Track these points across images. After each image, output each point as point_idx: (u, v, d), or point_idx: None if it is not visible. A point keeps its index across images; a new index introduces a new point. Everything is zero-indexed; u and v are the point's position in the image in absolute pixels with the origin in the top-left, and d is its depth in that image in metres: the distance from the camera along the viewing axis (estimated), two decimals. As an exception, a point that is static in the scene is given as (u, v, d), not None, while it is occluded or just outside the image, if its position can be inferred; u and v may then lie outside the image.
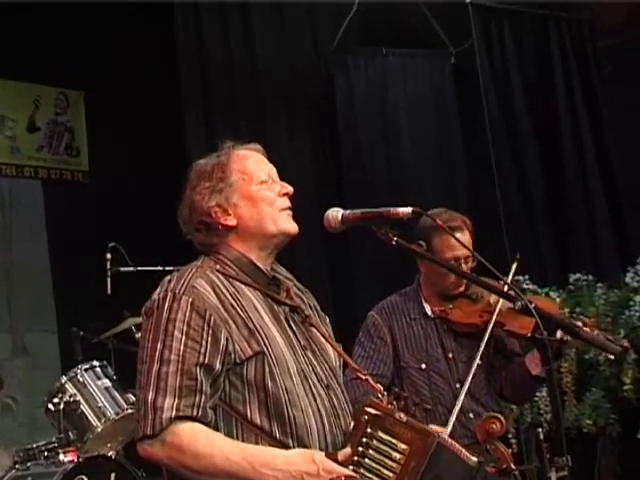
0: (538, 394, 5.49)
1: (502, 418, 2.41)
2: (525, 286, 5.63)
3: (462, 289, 3.44)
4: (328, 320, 2.60)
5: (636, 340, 5.22)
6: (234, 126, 6.26)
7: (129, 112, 6.81)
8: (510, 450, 2.34)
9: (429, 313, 3.49)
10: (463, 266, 3.37)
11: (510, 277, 3.38)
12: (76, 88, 7.09)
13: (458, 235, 3.27)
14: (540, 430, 2.30)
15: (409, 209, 2.44)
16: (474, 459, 2.27)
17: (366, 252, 6.24)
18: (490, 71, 6.65)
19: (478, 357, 3.19)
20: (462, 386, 3.34)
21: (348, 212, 2.50)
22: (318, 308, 2.57)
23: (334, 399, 2.34)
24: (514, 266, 3.45)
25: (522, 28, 6.74)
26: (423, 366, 3.38)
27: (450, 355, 3.42)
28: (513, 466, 2.36)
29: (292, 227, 2.42)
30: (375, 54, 6.72)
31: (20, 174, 6.85)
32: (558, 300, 5.62)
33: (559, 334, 2.37)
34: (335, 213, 2.52)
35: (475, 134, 6.58)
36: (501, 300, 3.26)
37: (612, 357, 4.48)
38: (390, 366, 3.42)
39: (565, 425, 5.02)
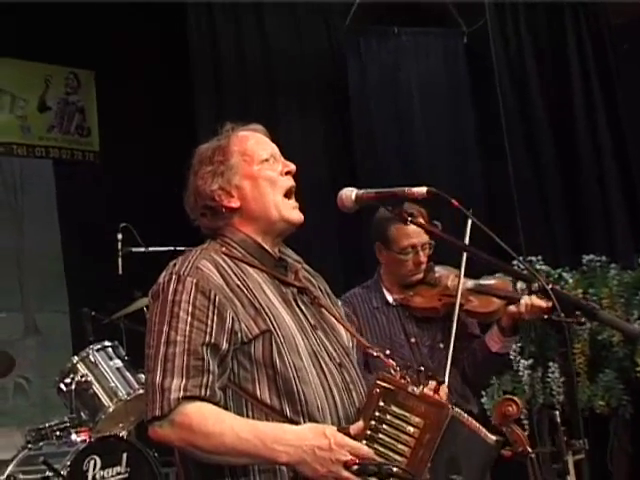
0: (551, 375, 5.50)
1: (518, 401, 2.39)
2: (538, 267, 5.60)
3: (421, 276, 3.51)
4: (340, 304, 2.59)
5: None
6: (244, 105, 6.28)
7: (140, 92, 6.79)
8: (526, 433, 2.33)
9: (390, 301, 3.56)
10: (420, 254, 3.46)
11: (464, 260, 3.30)
12: (87, 68, 7.07)
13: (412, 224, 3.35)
14: (557, 413, 2.27)
15: (424, 189, 2.41)
16: (493, 438, 2.26)
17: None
18: (503, 51, 6.61)
19: (452, 339, 3.22)
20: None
21: (362, 192, 2.48)
22: (329, 291, 2.55)
23: (347, 377, 2.32)
24: (468, 224, 3.35)
25: (536, 8, 6.67)
26: (387, 352, 3.39)
27: (413, 340, 3.47)
28: (529, 449, 2.35)
29: (296, 217, 2.40)
30: (387, 34, 6.68)
31: (31, 154, 6.85)
32: (571, 281, 5.60)
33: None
34: (349, 193, 2.49)
35: (488, 116, 6.54)
36: (461, 282, 3.31)
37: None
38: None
39: (578, 406, 5.00)
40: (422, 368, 3.31)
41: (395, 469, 2.11)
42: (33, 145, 6.86)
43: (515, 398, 2.39)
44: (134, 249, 5.25)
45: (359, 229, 6.36)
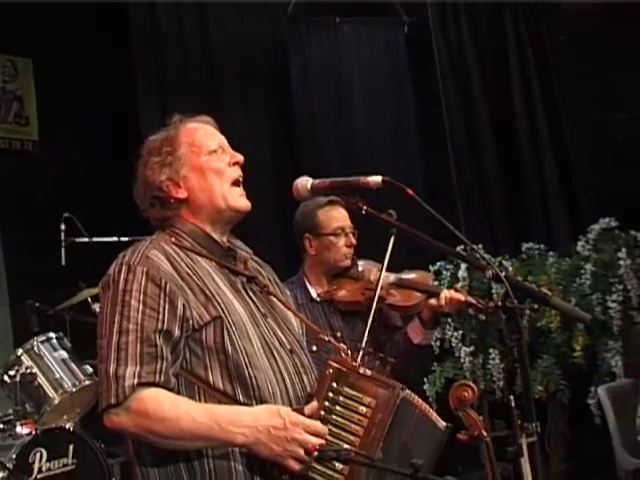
0: (491, 362, 5.61)
1: (474, 386, 2.44)
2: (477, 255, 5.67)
3: (349, 263, 3.61)
4: (289, 293, 2.64)
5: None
6: (187, 97, 6.26)
7: (80, 80, 6.71)
8: (482, 417, 2.38)
9: (315, 296, 3.62)
10: (350, 236, 3.60)
11: (387, 254, 3.38)
12: (24, 55, 6.94)
13: (337, 209, 3.57)
14: (512, 397, 2.33)
15: (379, 178, 2.43)
16: (443, 423, 2.32)
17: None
18: (444, 41, 6.66)
19: (367, 329, 3.27)
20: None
21: (318, 181, 2.49)
22: (278, 282, 2.59)
23: (298, 363, 2.36)
24: (391, 241, 3.40)
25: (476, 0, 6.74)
26: (314, 348, 3.39)
27: (338, 334, 3.52)
28: (485, 433, 2.40)
29: (243, 204, 2.42)
30: (329, 24, 6.71)
31: (-32, 143, 6.72)
32: (510, 269, 5.70)
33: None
34: (304, 182, 2.50)
35: (429, 105, 6.59)
36: (382, 276, 3.38)
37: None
38: None
39: (517, 391, 5.11)
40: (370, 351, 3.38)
41: (353, 454, 2.16)
42: (-30, 134, 6.74)
43: (471, 383, 2.44)
44: (77, 239, 5.20)
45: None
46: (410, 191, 2.41)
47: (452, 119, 6.42)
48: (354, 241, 3.60)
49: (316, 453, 2.13)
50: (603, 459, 5.29)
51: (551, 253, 5.86)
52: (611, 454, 4.78)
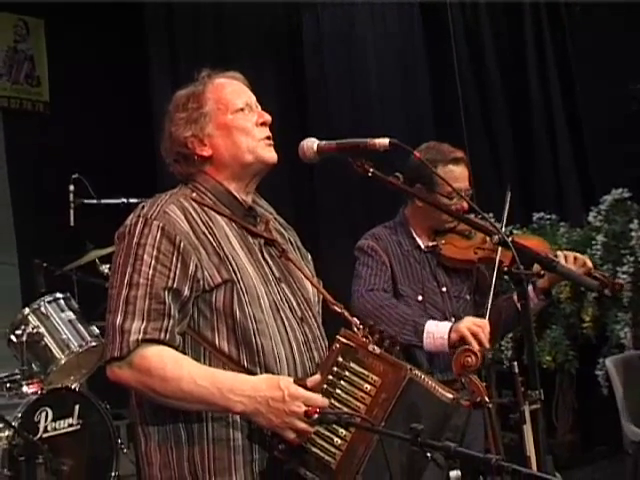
0: (500, 331, 5.58)
1: (477, 352, 2.41)
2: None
3: (456, 223, 3.37)
4: (310, 257, 2.57)
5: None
6: (197, 56, 6.24)
7: (91, 41, 6.68)
8: (485, 384, 2.35)
9: (422, 246, 3.40)
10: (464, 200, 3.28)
11: (506, 208, 3.32)
12: (36, 15, 6.91)
13: (460, 168, 3.30)
14: (515, 364, 2.30)
15: (386, 140, 2.39)
16: (449, 395, 2.25)
17: (331, 185, 6.27)
18: (459, 10, 6.58)
19: (491, 297, 3.05)
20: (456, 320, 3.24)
21: (324, 143, 2.46)
22: (300, 245, 2.55)
23: (307, 332, 2.33)
24: (508, 197, 3.36)
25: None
26: (420, 298, 3.31)
27: (444, 289, 3.37)
28: (487, 399, 2.37)
29: (270, 156, 2.39)
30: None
31: (-22, 103, 6.71)
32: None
33: (535, 268, 2.37)
34: (310, 143, 2.47)
35: (442, 73, 6.53)
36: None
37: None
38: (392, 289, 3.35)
39: (525, 361, 5.09)
40: (453, 318, 3.23)
41: (354, 418, 2.13)
42: (-20, 94, 6.72)
43: (474, 349, 2.41)
44: (86, 201, 5.18)
45: (311, 180, 6.42)
46: (417, 154, 2.38)
47: (465, 88, 6.35)
48: (466, 206, 3.25)
49: (316, 416, 2.11)
50: (609, 430, 5.28)
51: (562, 223, 5.83)
52: (617, 426, 4.77)
